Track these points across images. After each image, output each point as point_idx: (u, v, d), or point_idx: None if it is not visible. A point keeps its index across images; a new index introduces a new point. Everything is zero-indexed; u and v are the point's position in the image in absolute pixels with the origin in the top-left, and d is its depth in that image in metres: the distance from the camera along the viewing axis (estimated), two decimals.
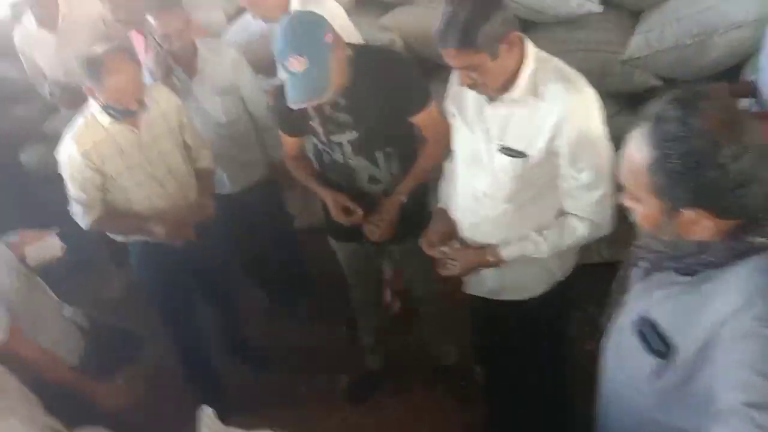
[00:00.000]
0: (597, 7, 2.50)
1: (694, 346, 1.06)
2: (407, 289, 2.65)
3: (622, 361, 1.28)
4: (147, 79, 2.46)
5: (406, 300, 2.74)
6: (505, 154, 1.68)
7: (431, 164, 2.14)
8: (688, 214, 1.00)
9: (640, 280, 1.25)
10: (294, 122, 2.13)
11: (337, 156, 2.13)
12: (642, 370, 1.18)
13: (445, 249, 1.88)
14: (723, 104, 0.99)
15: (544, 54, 1.67)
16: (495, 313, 2.02)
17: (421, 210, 2.33)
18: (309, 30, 1.84)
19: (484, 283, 1.92)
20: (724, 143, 0.94)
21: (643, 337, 1.15)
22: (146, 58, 2.53)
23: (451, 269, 1.86)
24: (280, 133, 2.25)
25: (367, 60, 1.99)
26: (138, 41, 2.71)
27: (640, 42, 2.52)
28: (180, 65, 2.54)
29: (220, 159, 2.61)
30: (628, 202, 1.12)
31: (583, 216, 1.71)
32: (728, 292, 1.01)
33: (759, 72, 2.04)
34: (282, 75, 1.93)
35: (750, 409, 0.90)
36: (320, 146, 2.16)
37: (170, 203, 2.34)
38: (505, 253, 1.79)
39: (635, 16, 2.68)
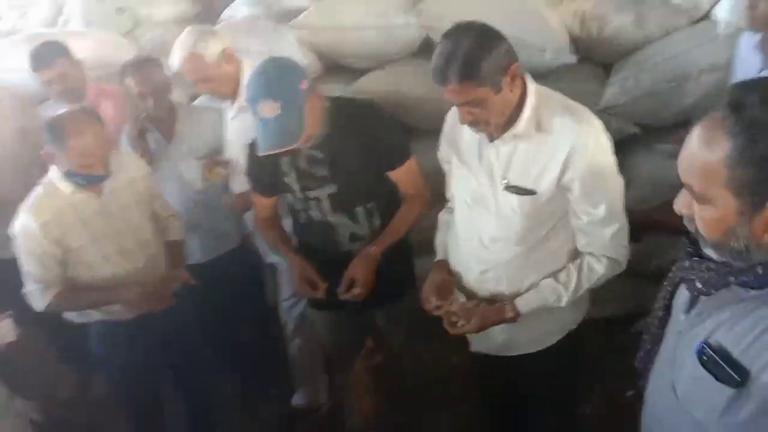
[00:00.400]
0: (571, 59, 2.51)
1: None
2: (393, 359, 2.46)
3: (682, 401, 1.12)
4: (123, 143, 2.37)
5: (392, 374, 2.55)
6: (513, 192, 1.59)
7: (410, 220, 2.05)
8: None
9: (690, 308, 1.13)
10: (267, 180, 2.03)
11: (315, 213, 2.01)
12: (713, 404, 1.03)
13: (453, 307, 1.72)
14: None
15: (543, 88, 1.61)
16: (504, 370, 1.87)
17: (405, 270, 2.21)
18: (284, 75, 1.78)
19: (494, 339, 1.77)
20: None
21: (710, 367, 1.01)
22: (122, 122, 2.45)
23: (463, 327, 1.69)
24: (253, 194, 2.14)
25: (344, 111, 1.93)
26: (110, 103, 2.62)
27: (615, 91, 2.54)
28: (157, 128, 2.43)
29: (193, 227, 2.46)
30: (685, 210, 1.00)
31: (599, 254, 1.61)
32: None
33: None
34: (253, 121, 1.83)
35: None
36: (296, 205, 2.04)
37: (139, 278, 2.13)
38: (523, 305, 1.65)
39: (608, 67, 2.72)
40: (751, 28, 2.03)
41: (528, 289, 1.67)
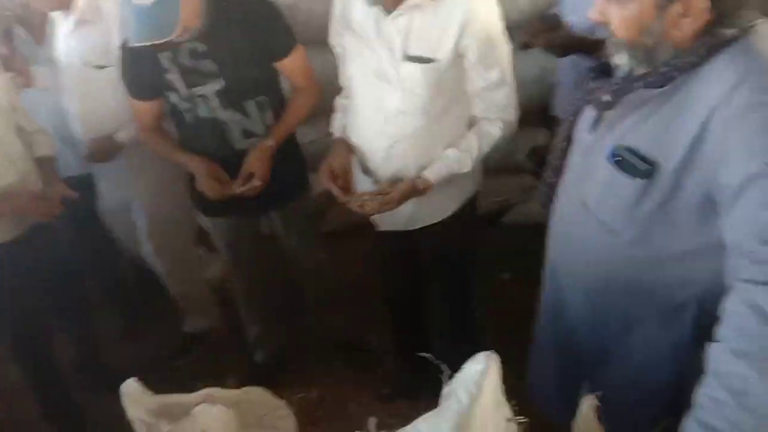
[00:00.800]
0: None
1: (679, 152, 1.08)
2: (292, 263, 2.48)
3: (593, 210, 1.28)
4: None
5: (292, 278, 2.57)
6: (414, 62, 1.65)
7: (303, 112, 2.06)
8: (679, 3, 1.02)
9: (594, 126, 1.27)
10: (147, 81, 1.92)
11: (203, 111, 1.95)
12: (623, 202, 1.19)
13: (364, 195, 1.77)
14: None
15: None
16: (410, 245, 1.97)
17: (299, 170, 2.22)
18: None
19: (401, 213, 1.84)
20: None
21: (622, 165, 1.17)
22: None
23: (371, 206, 1.74)
24: (131, 100, 2.01)
25: (226, 2, 1.86)
26: None
27: None
28: (25, 27, 2.23)
29: (68, 139, 2.32)
30: (600, 16, 1.12)
31: (495, 117, 1.74)
32: (710, 85, 1.04)
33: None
34: (125, 11, 1.70)
35: None
36: (181, 104, 1.95)
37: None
38: (432, 175, 1.74)
39: None
40: None
41: (432, 160, 1.76)
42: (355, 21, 1.75)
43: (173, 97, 1.95)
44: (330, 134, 2.00)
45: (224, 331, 2.77)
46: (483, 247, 2.19)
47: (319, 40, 2.02)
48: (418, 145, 1.76)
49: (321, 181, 1.84)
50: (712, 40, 1.04)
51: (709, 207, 1.09)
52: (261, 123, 2.01)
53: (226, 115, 1.95)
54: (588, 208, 1.29)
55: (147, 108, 2.01)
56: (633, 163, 1.15)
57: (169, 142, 2.08)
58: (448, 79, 1.69)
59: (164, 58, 1.86)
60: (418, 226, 1.91)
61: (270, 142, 1.97)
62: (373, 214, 1.78)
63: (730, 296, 0.98)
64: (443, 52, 1.63)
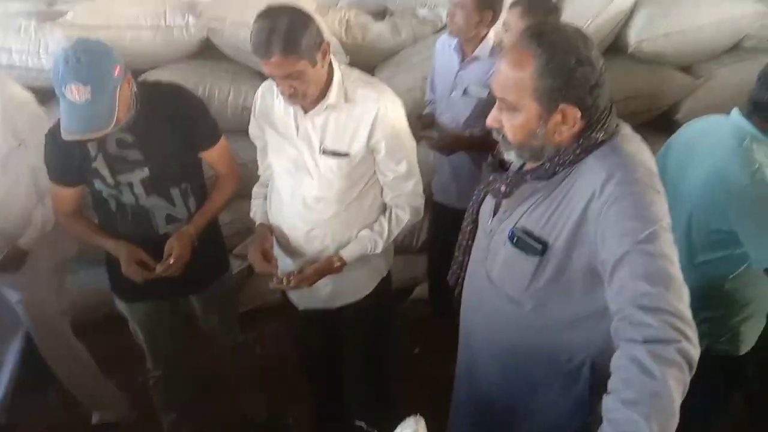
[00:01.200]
0: (345, 60, 2.83)
1: (565, 233, 1.27)
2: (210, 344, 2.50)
3: (497, 284, 1.45)
4: None
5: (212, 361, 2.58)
6: (330, 156, 1.81)
7: (224, 198, 2.15)
8: (559, 114, 1.23)
9: (495, 212, 1.46)
10: (72, 167, 1.95)
11: (128, 198, 1.99)
12: (522, 276, 1.37)
13: (286, 276, 1.88)
14: (573, 26, 1.29)
15: (344, 66, 1.88)
16: (329, 323, 2.08)
17: (219, 254, 2.29)
18: (96, 59, 1.75)
19: (321, 292, 1.97)
20: (591, 47, 1.22)
21: (519, 245, 1.36)
22: None
23: (299, 281, 1.85)
24: (53, 185, 2.02)
25: (153, 94, 1.96)
26: None
27: None
28: None
29: None
30: (496, 123, 1.32)
31: (404, 204, 1.92)
32: (586, 178, 1.25)
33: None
34: (62, 106, 1.76)
35: (641, 245, 1.15)
36: (105, 191, 1.98)
37: None
38: (346, 254, 1.88)
39: (372, 69, 3.10)
40: (450, 33, 2.53)
41: (349, 242, 1.91)
42: (275, 117, 1.89)
43: (97, 184, 1.97)
44: (245, 216, 2.10)
45: (137, 420, 2.70)
46: (395, 322, 2.35)
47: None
48: (336, 229, 1.90)
49: (255, 265, 1.92)
50: (586, 142, 1.27)
51: (594, 278, 1.28)
52: (185, 209, 2.07)
53: (150, 201, 2.01)
54: (493, 282, 1.47)
55: (69, 194, 2.02)
56: (529, 243, 1.33)
57: (90, 226, 2.09)
58: (361, 171, 1.86)
59: (91, 147, 1.91)
60: (337, 305, 2.03)
61: (192, 229, 2.03)
62: (292, 289, 1.89)
63: (617, 354, 1.15)
64: (356, 147, 1.80)
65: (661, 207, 1.22)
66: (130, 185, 1.97)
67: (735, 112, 1.81)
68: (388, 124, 1.80)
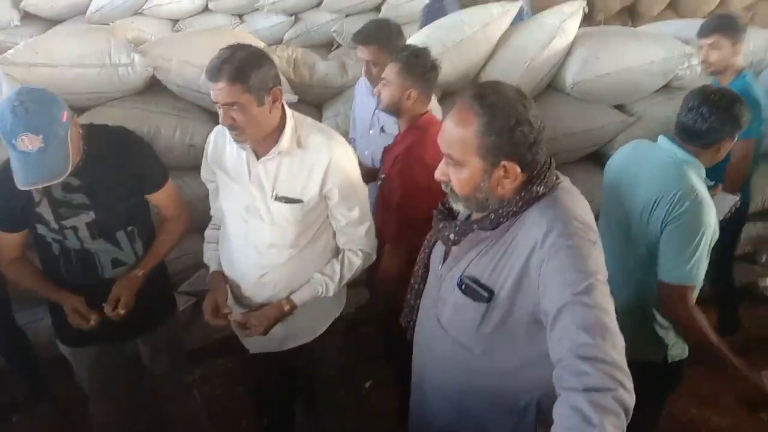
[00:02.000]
0: (293, 98, 2.87)
1: (510, 282, 1.35)
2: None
3: (446, 328, 1.50)
4: None
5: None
6: (283, 202, 1.84)
7: (172, 241, 2.15)
8: (501, 169, 1.32)
9: (445, 258, 1.52)
10: (15, 213, 1.92)
11: (72, 242, 1.97)
12: (470, 322, 1.43)
13: (237, 318, 1.89)
14: (512, 87, 1.36)
15: (297, 113, 1.91)
16: (281, 361, 2.08)
17: (166, 296, 2.28)
18: (44, 107, 1.74)
19: (274, 335, 1.96)
20: (529, 107, 1.31)
21: (468, 293, 1.42)
22: None
23: (253, 330, 1.87)
24: None
25: (99, 137, 1.96)
26: None
27: (331, 124, 2.97)
28: None
29: None
30: (444, 177, 1.40)
31: (356, 249, 1.96)
32: (529, 230, 1.33)
33: None
34: (11, 156, 1.75)
35: (579, 297, 1.21)
36: (48, 235, 1.96)
37: None
38: (298, 298, 1.90)
39: (319, 107, 3.16)
40: (368, 79, 2.64)
41: (302, 285, 1.92)
42: (227, 162, 1.91)
43: (41, 229, 1.95)
44: (192, 252, 2.09)
45: None
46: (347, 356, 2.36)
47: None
48: (288, 274, 1.92)
49: (208, 318, 1.93)
50: (527, 195, 1.35)
51: (537, 324, 1.33)
52: (131, 252, 2.05)
53: (96, 245, 1.98)
54: (443, 327, 1.52)
55: (12, 239, 1.99)
56: (476, 290, 1.40)
57: (34, 273, 2.06)
58: (314, 216, 1.89)
59: (35, 191, 1.88)
60: (289, 347, 2.03)
61: (140, 272, 2.01)
62: (251, 336, 1.90)
63: (558, 401, 1.20)
64: (309, 194, 1.83)
65: (598, 259, 1.30)
66: (75, 229, 1.95)
67: (662, 139, 1.98)
68: (340, 171, 1.84)
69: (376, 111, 2.60)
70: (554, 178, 1.40)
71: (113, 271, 2.04)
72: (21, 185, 1.73)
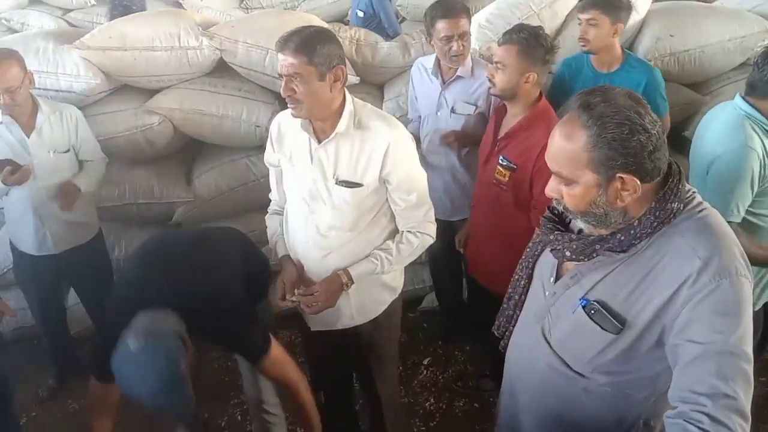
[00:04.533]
0: (355, 80, 2.89)
1: (648, 314, 1.23)
2: None
3: (555, 347, 1.40)
4: None
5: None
6: (343, 186, 1.86)
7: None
8: (618, 181, 1.19)
9: (557, 273, 1.41)
10: None
11: None
12: (590, 348, 1.33)
13: (298, 296, 1.93)
14: (623, 92, 1.22)
15: (357, 99, 1.92)
16: (341, 340, 2.11)
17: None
18: None
19: (333, 316, 2.00)
20: (644, 113, 1.17)
21: (596, 319, 1.29)
22: None
23: (316, 306, 1.91)
24: (95, 385, 1.79)
25: None
26: None
27: (392, 106, 2.99)
28: (17, 121, 2.45)
29: (46, 219, 2.61)
30: (555, 194, 1.29)
31: (415, 231, 1.96)
32: (678, 259, 1.20)
33: None
34: None
35: (729, 346, 1.13)
36: None
37: None
38: (355, 271, 1.92)
39: (381, 87, 3.17)
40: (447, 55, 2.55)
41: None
42: (290, 146, 1.94)
43: None
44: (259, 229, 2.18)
45: None
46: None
47: None
48: (348, 256, 1.94)
49: (280, 301, 1.98)
50: (662, 214, 1.22)
51: (660, 346, 1.24)
52: None
53: None
54: (551, 346, 1.41)
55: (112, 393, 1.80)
56: (607, 318, 1.28)
57: None
58: (373, 200, 1.90)
59: None
60: (350, 326, 2.07)
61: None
62: (316, 312, 1.93)
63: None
64: (369, 178, 1.85)
65: (749, 296, 1.20)
66: None
67: (737, 96, 2.07)
68: (399, 156, 1.84)
69: (443, 92, 2.59)
70: (686, 189, 1.26)
71: None
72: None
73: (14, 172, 2.39)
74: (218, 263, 1.86)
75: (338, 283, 1.92)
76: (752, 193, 1.97)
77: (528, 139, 2.13)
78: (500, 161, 2.20)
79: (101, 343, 1.69)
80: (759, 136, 1.96)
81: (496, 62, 2.17)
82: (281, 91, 1.76)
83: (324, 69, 1.72)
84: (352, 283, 1.93)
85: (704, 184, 2.01)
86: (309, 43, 1.69)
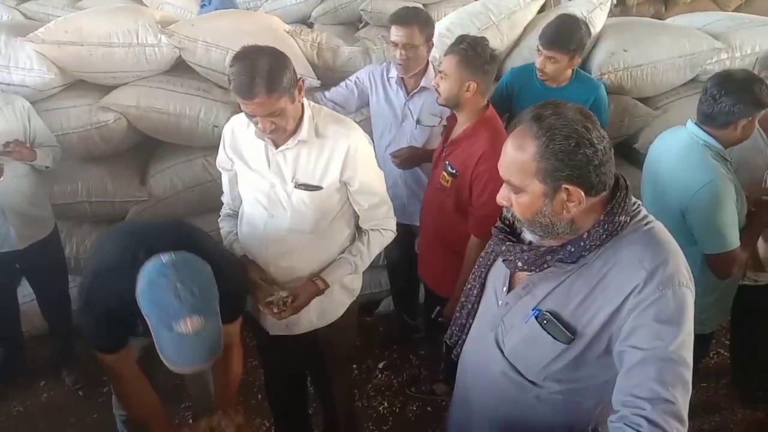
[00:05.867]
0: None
1: (597, 323, 1.27)
2: None
3: (508, 355, 1.42)
4: None
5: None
6: (303, 189, 1.87)
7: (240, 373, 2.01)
8: (564, 192, 1.22)
9: (509, 283, 1.44)
10: (118, 335, 1.74)
11: None
12: (542, 357, 1.35)
13: (275, 299, 1.90)
14: (574, 106, 1.25)
15: (313, 103, 1.92)
16: (297, 345, 2.11)
17: None
18: (206, 287, 1.56)
19: (292, 321, 1.99)
20: (592, 128, 1.21)
21: (548, 328, 1.32)
22: None
23: (290, 309, 1.90)
24: (110, 357, 1.76)
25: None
26: None
27: None
28: None
29: (10, 214, 2.57)
30: (505, 201, 1.32)
31: (378, 228, 2.00)
32: (626, 269, 1.24)
33: None
34: (156, 333, 1.54)
35: (670, 353, 1.18)
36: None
37: None
38: (330, 277, 1.94)
39: None
40: (397, 70, 2.62)
41: (322, 268, 1.96)
42: (245, 151, 1.93)
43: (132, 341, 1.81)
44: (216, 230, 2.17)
45: None
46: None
47: None
48: (308, 258, 1.96)
49: (262, 306, 1.93)
50: (610, 227, 1.26)
51: (607, 355, 1.28)
52: None
53: None
54: (504, 354, 1.43)
55: (125, 355, 1.79)
56: (558, 328, 1.31)
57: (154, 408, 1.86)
58: (333, 202, 1.92)
59: (140, 322, 1.65)
60: (309, 329, 2.07)
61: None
62: (287, 317, 1.91)
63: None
64: (328, 181, 1.86)
65: (691, 305, 1.24)
66: None
67: (689, 123, 2.13)
68: (359, 159, 1.86)
69: (407, 103, 2.62)
70: (632, 202, 1.31)
71: None
72: (173, 365, 1.55)
73: None
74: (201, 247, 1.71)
75: (315, 290, 1.93)
76: (737, 215, 2.02)
77: (470, 147, 2.18)
78: (445, 167, 2.25)
79: (86, 317, 1.69)
80: (720, 160, 2.03)
81: (440, 71, 2.22)
82: (261, 128, 1.74)
83: (293, 90, 1.73)
84: (327, 287, 1.94)
85: (677, 222, 2.01)
86: (274, 78, 1.65)
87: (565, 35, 2.55)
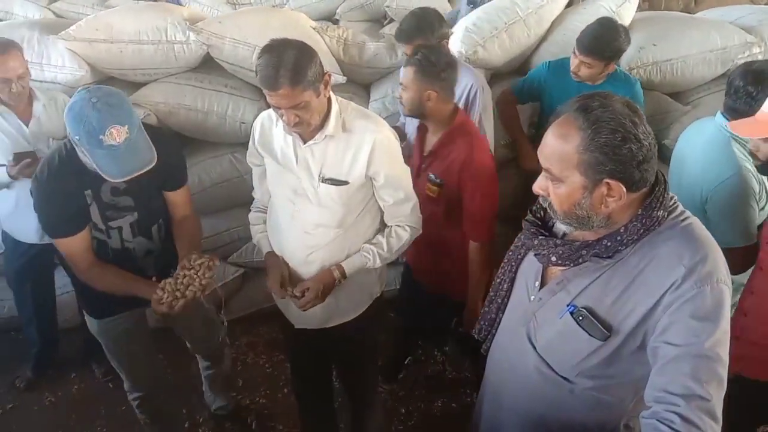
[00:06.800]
0: (342, 79, 2.91)
1: (633, 319, 1.25)
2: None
3: (541, 351, 1.41)
4: None
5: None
6: (330, 184, 1.87)
7: (200, 234, 2.23)
8: (604, 186, 1.20)
9: (541, 277, 1.42)
10: (70, 217, 1.93)
11: (115, 241, 2.05)
12: (576, 353, 1.34)
13: (295, 291, 1.93)
14: (622, 99, 1.22)
15: (340, 98, 1.92)
16: (322, 340, 2.13)
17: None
18: (121, 100, 1.79)
19: (316, 314, 2.01)
20: (639, 123, 1.18)
21: (584, 325, 1.31)
22: None
23: (310, 301, 1.92)
24: (62, 242, 1.96)
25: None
26: None
27: (378, 106, 3.01)
28: (13, 110, 2.47)
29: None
30: (542, 191, 1.30)
31: (403, 225, 2.00)
32: (664, 266, 1.22)
33: None
34: (91, 154, 1.76)
35: (706, 349, 1.16)
36: (92, 234, 2.01)
37: None
38: (348, 266, 1.95)
39: (367, 88, 3.19)
40: None
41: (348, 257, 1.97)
42: (274, 146, 1.95)
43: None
44: (242, 224, 2.17)
45: None
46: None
47: None
48: (334, 253, 1.96)
49: (275, 294, 2.01)
50: (648, 222, 1.24)
51: (642, 350, 1.27)
52: (159, 242, 2.14)
53: (134, 242, 2.07)
54: (536, 349, 1.42)
55: (80, 243, 1.97)
56: (594, 325, 1.29)
57: (120, 273, 2.03)
58: (359, 197, 1.93)
59: (87, 195, 1.93)
60: (333, 324, 2.09)
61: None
62: (309, 308, 1.93)
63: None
64: (355, 176, 1.87)
65: (728, 302, 1.22)
66: (120, 229, 2.03)
67: (719, 115, 2.13)
68: (384, 154, 1.87)
69: None
70: (670, 197, 1.29)
71: (144, 260, 2.12)
72: (115, 178, 1.76)
73: (32, 164, 2.37)
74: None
75: (331, 278, 1.94)
76: (757, 211, 2.02)
77: (449, 155, 2.20)
78: (429, 178, 2.27)
79: (39, 204, 1.91)
80: (745, 155, 2.02)
81: (401, 83, 2.24)
82: (286, 121, 1.76)
83: (318, 84, 1.73)
84: (345, 278, 1.95)
85: (700, 214, 2.00)
86: (299, 70, 1.67)
87: (603, 43, 2.55)
